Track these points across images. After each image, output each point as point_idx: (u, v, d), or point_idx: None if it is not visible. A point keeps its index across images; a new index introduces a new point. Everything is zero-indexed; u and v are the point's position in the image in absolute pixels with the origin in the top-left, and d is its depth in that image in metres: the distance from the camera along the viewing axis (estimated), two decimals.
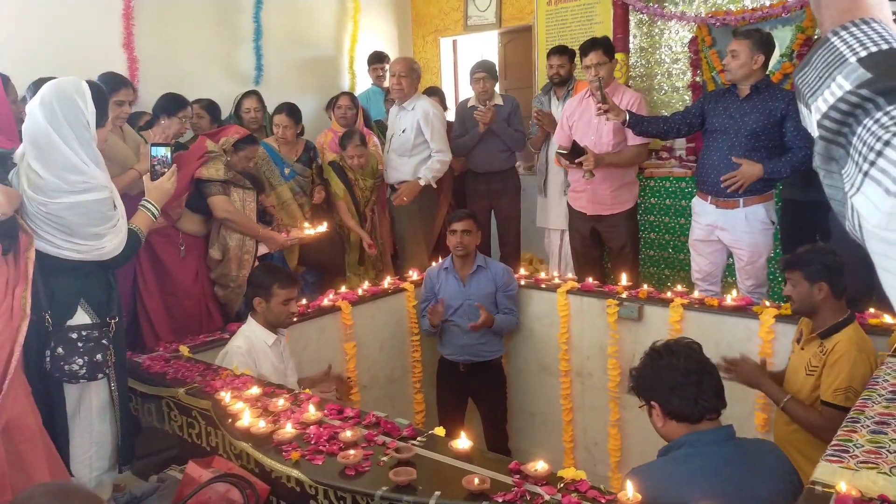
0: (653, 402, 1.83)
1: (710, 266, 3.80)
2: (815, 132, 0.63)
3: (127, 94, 3.40)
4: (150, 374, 2.66)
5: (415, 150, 4.55)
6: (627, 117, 3.82)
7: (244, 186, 3.64)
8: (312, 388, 2.81)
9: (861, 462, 1.64)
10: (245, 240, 3.61)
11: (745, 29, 3.64)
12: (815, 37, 4.25)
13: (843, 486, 1.53)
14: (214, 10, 5.22)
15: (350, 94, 5.05)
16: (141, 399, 2.70)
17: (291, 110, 4.29)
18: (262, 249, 3.76)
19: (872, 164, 0.55)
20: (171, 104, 3.75)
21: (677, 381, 1.77)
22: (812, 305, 2.42)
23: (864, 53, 0.59)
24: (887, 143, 0.54)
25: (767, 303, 3.07)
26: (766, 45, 3.53)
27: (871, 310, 2.77)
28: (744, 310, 3.02)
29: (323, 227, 4.01)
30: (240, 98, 4.67)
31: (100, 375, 2.45)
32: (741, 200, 3.57)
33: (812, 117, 0.63)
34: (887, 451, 1.69)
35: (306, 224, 4.01)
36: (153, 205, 2.75)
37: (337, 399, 2.96)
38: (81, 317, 2.45)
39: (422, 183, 4.49)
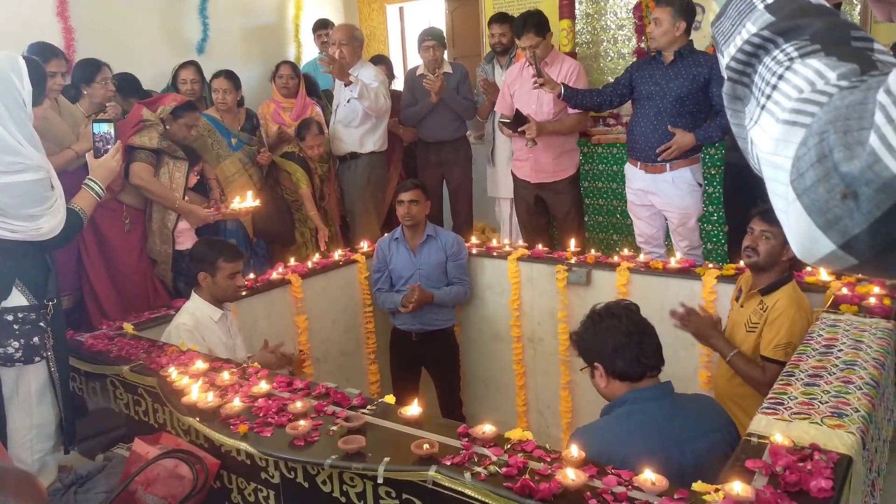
0: (596, 364, 1.87)
1: (650, 229, 3.92)
2: (724, 74, 0.67)
3: (59, 65, 3.26)
4: (93, 353, 2.60)
5: (362, 121, 4.48)
6: (562, 90, 3.86)
7: (176, 157, 3.54)
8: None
9: (795, 413, 1.71)
10: (165, 213, 3.51)
11: None
12: None
13: (777, 437, 1.59)
14: None
15: (291, 63, 4.93)
16: (85, 378, 2.64)
17: (229, 74, 4.18)
18: (185, 225, 3.66)
19: (768, 97, 0.59)
20: (87, 71, 3.55)
21: (620, 342, 1.81)
22: (773, 262, 2.47)
23: (770, 0, 0.64)
24: (780, 77, 0.59)
25: (710, 264, 3.15)
26: (687, 11, 3.63)
27: (808, 268, 2.87)
28: (687, 271, 3.09)
29: (255, 203, 3.84)
30: (177, 69, 4.49)
31: (37, 359, 2.38)
32: (668, 165, 3.70)
33: (723, 62, 0.67)
34: (819, 401, 1.76)
35: (237, 198, 3.86)
36: (97, 184, 2.65)
37: (290, 373, 2.94)
38: (17, 298, 2.37)
39: (352, 79, 4.22)
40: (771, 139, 0.58)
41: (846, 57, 0.57)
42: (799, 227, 0.55)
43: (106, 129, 2.74)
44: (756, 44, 0.62)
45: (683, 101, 3.62)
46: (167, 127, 3.50)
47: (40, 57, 2.97)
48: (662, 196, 3.76)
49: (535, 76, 3.86)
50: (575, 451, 1.58)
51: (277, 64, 4.86)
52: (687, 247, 3.75)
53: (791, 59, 0.59)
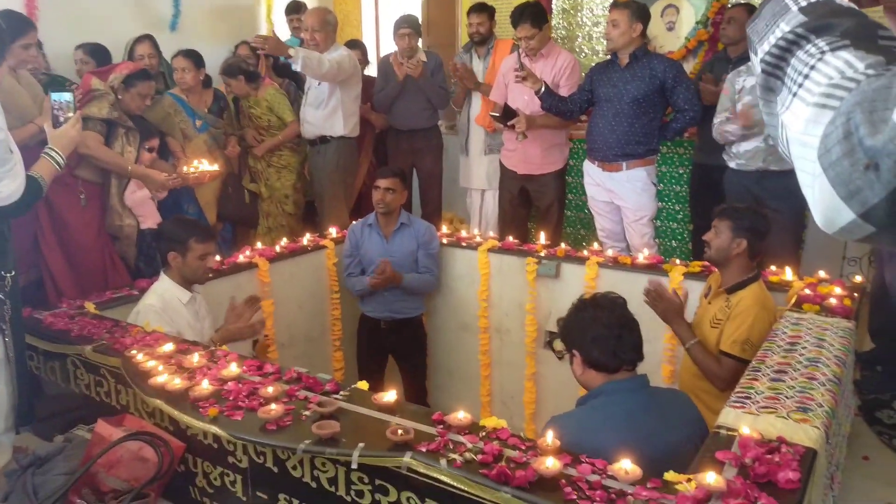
0: (574, 351, 1.89)
1: (610, 224, 4.03)
2: (757, 69, 0.72)
3: (34, 37, 3.12)
4: (53, 332, 2.52)
5: (327, 102, 4.40)
6: (542, 88, 3.89)
7: (128, 127, 3.43)
8: (228, 342, 2.72)
9: (762, 407, 1.75)
10: (119, 186, 3.41)
11: (622, 0, 3.80)
12: (729, 5, 4.39)
13: (745, 430, 1.63)
14: None
15: (248, 44, 4.87)
16: (43, 357, 2.56)
17: (189, 53, 4.08)
18: (133, 200, 3.52)
19: (800, 85, 0.65)
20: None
21: (599, 333, 1.83)
22: (725, 257, 2.54)
23: (804, 3, 0.70)
24: (812, 67, 0.64)
25: (677, 261, 3.20)
26: (643, 14, 3.75)
27: (773, 267, 2.94)
28: (655, 267, 3.14)
29: (213, 167, 3.74)
30: (132, 43, 4.33)
31: None
32: (624, 164, 3.83)
33: (756, 58, 0.73)
34: (785, 396, 1.81)
35: (194, 162, 3.74)
36: (58, 153, 2.56)
37: (253, 357, 2.90)
38: None
39: (290, 52, 4.05)
40: (802, 120, 0.63)
41: (873, 50, 0.62)
42: (823, 199, 0.61)
43: (67, 97, 2.66)
44: (790, 40, 0.68)
45: (640, 103, 3.73)
46: (119, 97, 3.38)
47: (15, 28, 2.86)
48: (618, 192, 3.89)
49: (516, 69, 3.88)
50: (550, 438, 1.60)
51: (237, 45, 4.81)
52: (640, 243, 3.83)
53: (822, 52, 0.64)
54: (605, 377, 1.83)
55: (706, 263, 2.97)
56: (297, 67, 4.12)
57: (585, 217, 4.86)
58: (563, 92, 4.06)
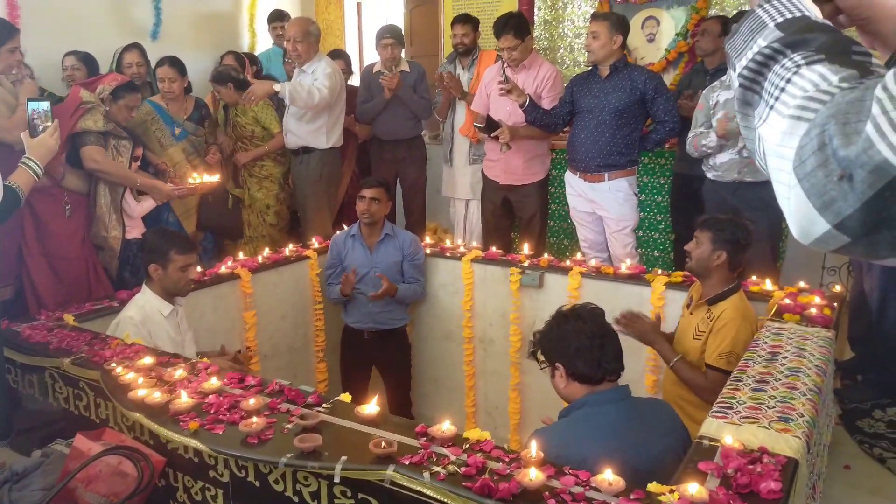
0: (557, 364, 1.88)
1: (592, 234, 4.05)
2: (735, 84, 0.73)
3: (18, 41, 3.12)
4: (30, 344, 2.48)
5: (312, 116, 4.39)
6: (527, 101, 3.92)
7: (120, 137, 3.42)
8: None
9: (744, 417, 1.76)
10: (114, 196, 3.40)
11: (602, 12, 3.84)
12: (708, 18, 4.44)
13: (728, 440, 1.64)
14: None
15: (234, 53, 4.87)
16: (21, 370, 2.52)
17: (174, 61, 4.06)
18: (141, 210, 3.55)
19: (777, 98, 0.66)
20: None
21: (582, 345, 1.83)
22: (705, 268, 2.55)
23: (780, 19, 0.71)
24: (788, 81, 0.65)
25: (659, 271, 3.22)
26: (623, 26, 3.80)
27: (754, 277, 2.96)
28: (637, 277, 3.15)
29: (215, 178, 3.77)
30: (120, 51, 4.32)
31: None
32: (606, 175, 3.86)
33: (735, 73, 0.74)
34: (766, 406, 1.82)
35: (194, 174, 3.76)
36: (35, 163, 2.53)
37: (235, 368, 2.87)
38: None
39: (276, 88, 4.06)
40: (778, 132, 0.64)
41: (847, 64, 0.63)
42: (798, 210, 0.62)
43: (45, 106, 2.63)
44: (766, 55, 0.69)
45: (621, 114, 3.76)
46: (107, 108, 3.37)
47: (1, 33, 2.87)
48: (600, 202, 3.91)
49: (500, 81, 3.90)
50: (534, 450, 1.59)
51: (223, 55, 4.80)
52: (623, 253, 3.85)
53: (798, 66, 0.65)
54: (588, 389, 1.83)
55: (688, 274, 2.99)
56: (286, 102, 4.13)
57: (568, 227, 4.87)
58: (546, 103, 4.08)
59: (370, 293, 3.35)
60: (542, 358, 1.95)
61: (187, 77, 4.18)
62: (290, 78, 4.78)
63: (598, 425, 1.76)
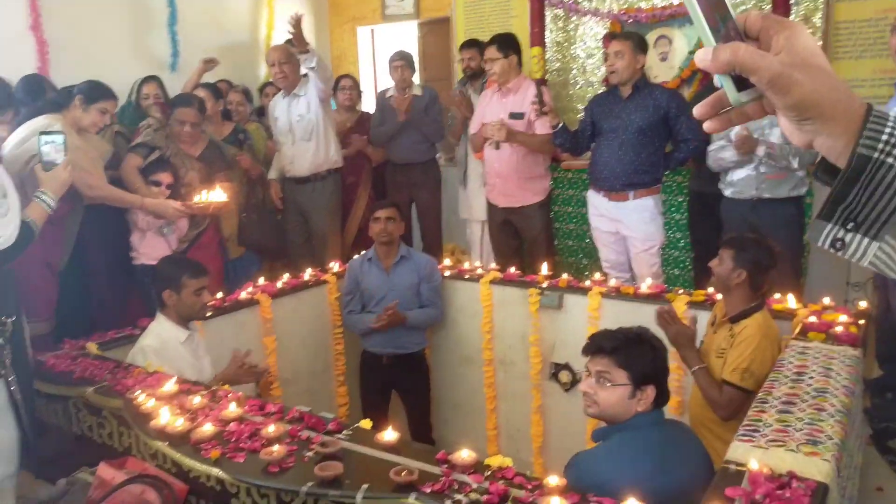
0: (647, 386, 1.86)
1: (615, 255, 4.01)
2: (865, 263, 0.66)
3: (113, 106, 3.46)
4: (55, 374, 2.51)
5: (319, 132, 4.41)
6: (560, 124, 3.95)
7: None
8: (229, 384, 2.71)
9: (770, 440, 1.73)
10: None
11: (624, 32, 3.85)
12: None
13: (754, 465, 1.60)
14: None
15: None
16: (45, 400, 2.54)
17: (207, 85, 4.33)
18: (147, 224, 3.61)
19: None
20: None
21: (667, 369, 1.87)
22: (726, 286, 2.53)
23: None
24: None
25: (680, 290, 3.19)
26: (644, 46, 3.83)
27: (777, 295, 2.92)
28: (658, 297, 3.12)
29: (223, 196, 3.70)
30: (139, 83, 4.36)
31: None
32: (631, 193, 3.83)
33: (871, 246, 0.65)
34: (794, 429, 1.78)
35: (203, 192, 3.71)
36: (49, 196, 2.58)
37: (257, 394, 2.88)
38: None
39: (309, 48, 4.23)
40: None
41: None
42: None
43: (59, 140, 2.66)
44: None
45: (645, 133, 3.76)
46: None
47: (95, 94, 3.31)
48: (626, 222, 3.87)
49: (534, 103, 3.93)
50: (555, 478, 1.57)
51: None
52: (648, 273, 3.81)
53: None
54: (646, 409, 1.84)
55: (709, 292, 2.97)
56: (311, 65, 4.23)
57: (587, 246, 4.85)
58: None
59: (372, 322, 3.35)
60: (566, 378, 1.96)
61: (223, 101, 4.42)
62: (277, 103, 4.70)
63: (639, 449, 1.75)
